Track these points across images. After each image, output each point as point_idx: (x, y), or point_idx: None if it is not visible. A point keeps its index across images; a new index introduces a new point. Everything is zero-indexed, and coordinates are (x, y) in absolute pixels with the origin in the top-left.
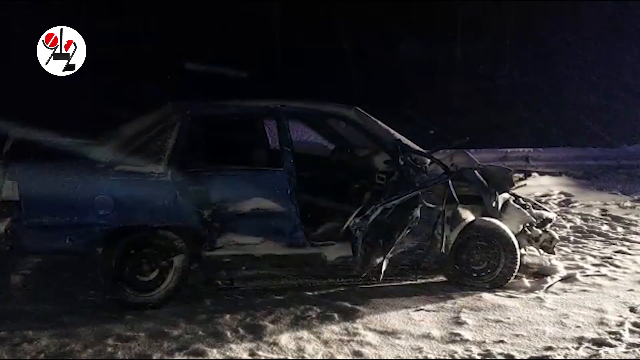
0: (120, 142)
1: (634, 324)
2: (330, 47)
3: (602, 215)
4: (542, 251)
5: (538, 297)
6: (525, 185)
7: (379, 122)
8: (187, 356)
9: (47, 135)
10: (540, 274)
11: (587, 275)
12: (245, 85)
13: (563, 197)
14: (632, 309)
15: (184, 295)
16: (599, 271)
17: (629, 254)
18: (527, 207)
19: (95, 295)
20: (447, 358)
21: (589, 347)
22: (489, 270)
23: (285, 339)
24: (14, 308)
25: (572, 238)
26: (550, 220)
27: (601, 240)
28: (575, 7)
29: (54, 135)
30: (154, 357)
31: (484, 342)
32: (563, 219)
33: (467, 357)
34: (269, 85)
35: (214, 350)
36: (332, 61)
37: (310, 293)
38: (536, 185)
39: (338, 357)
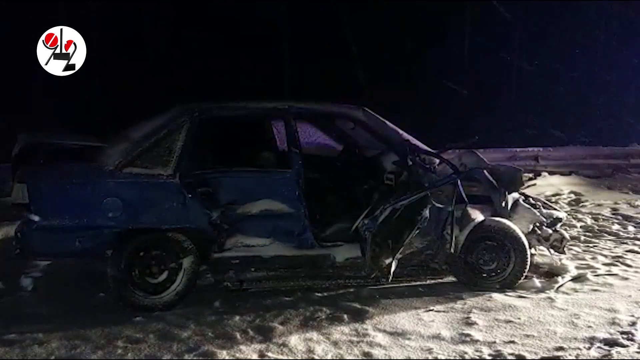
0: (128, 144)
1: None
2: (338, 47)
3: (613, 214)
4: (552, 251)
5: (549, 297)
6: (535, 184)
7: (387, 122)
8: (197, 357)
9: (56, 137)
10: (551, 273)
11: (598, 275)
12: (252, 86)
13: (573, 196)
14: None
15: (193, 297)
16: (610, 270)
17: None
18: (537, 206)
19: (105, 298)
20: (457, 359)
21: (601, 347)
22: (499, 271)
23: (295, 340)
24: (24, 311)
25: (582, 237)
26: (560, 220)
27: (612, 240)
28: (584, 6)
29: (62, 138)
30: (164, 359)
31: (495, 342)
32: (573, 218)
33: (477, 357)
34: (276, 86)
35: (224, 352)
36: (340, 62)
37: (319, 294)
38: (546, 185)
39: (348, 358)
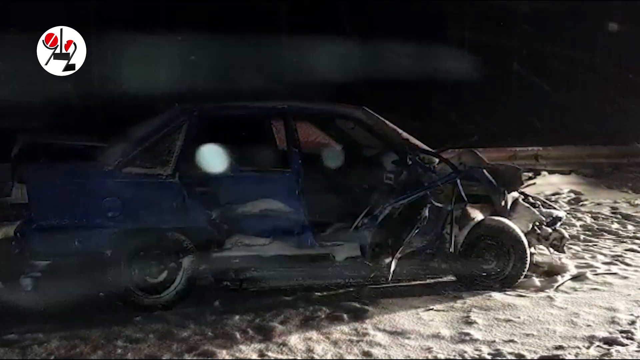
0: (128, 144)
1: None
2: (338, 46)
3: (613, 213)
4: (552, 250)
5: (548, 296)
6: (534, 183)
7: (387, 122)
8: (197, 357)
9: (55, 137)
10: (551, 272)
11: (597, 274)
12: (252, 86)
13: (573, 195)
14: None
15: (192, 297)
16: (609, 270)
17: None
18: (537, 205)
19: (105, 298)
20: (457, 358)
21: (600, 346)
22: (498, 270)
23: (295, 340)
24: (23, 310)
25: (582, 236)
26: (560, 219)
27: (611, 239)
28: (585, 5)
29: (62, 138)
30: (164, 359)
31: (494, 341)
32: (573, 217)
33: (477, 356)
34: (276, 85)
35: (224, 352)
36: (340, 60)
37: (319, 293)
38: (546, 184)
39: (347, 358)
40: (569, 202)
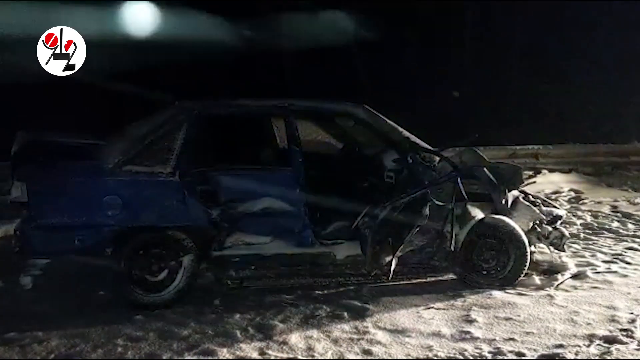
0: (128, 142)
1: None
2: (338, 45)
3: (613, 212)
4: (552, 248)
5: (548, 295)
6: (534, 182)
7: (388, 120)
8: (197, 356)
9: (55, 135)
10: (551, 271)
11: (597, 272)
12: (253, 84)
13: (573, 194)
14: None
15: (193, 295)
16: (609, 268)
17: None
18: (537, 204)
19: (105, 296)
20: (457, 356)
21: (600, 345)
22: (498, 268)
23: (295, 338)
24: (23, 309)
25: (582, 235)
26: (560, 217)
27: (612, 237)
28: (584, 5)
29: (61, 136)
30: (164, 357)
31: (494, 339)
32: (573, 215)
33: (477, 355)
34: (276, 84)
35: (224, 350)
36: (340, 59)
37: (319, 292)
38: (546, 182)
39: (348, 356)
40: (569, 201)
